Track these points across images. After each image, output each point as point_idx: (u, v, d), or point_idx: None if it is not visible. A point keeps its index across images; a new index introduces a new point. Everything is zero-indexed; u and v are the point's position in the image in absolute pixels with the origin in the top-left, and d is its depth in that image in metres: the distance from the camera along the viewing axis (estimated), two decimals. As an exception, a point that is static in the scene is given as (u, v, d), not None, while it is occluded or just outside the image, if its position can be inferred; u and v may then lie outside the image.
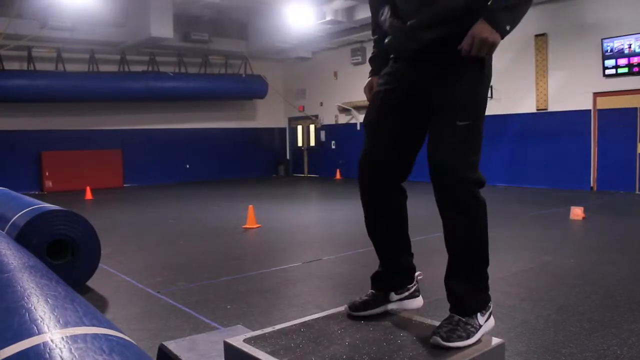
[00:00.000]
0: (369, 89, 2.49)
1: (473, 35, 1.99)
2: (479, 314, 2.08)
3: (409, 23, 2.16)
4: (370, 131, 2.35)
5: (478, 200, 2.10)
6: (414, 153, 2.35)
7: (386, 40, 2.32)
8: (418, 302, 2.47)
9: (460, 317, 2.03)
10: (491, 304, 2.18)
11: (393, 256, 2.45)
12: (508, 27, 2.02)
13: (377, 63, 2.49)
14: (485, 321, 2.10)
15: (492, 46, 2.01)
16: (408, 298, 2.42)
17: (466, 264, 2.14)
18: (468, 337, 1.95)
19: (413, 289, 2.46)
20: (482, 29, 1.98)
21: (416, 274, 2.51)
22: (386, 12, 2.32)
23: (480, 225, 2.13)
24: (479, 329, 2.02)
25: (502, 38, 2.03)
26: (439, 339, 1.89)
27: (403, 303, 2.39)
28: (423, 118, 2.22)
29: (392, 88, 2.26)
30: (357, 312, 2.27)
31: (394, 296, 2.38)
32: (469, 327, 2.00)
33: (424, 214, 9.85)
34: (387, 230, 2.44)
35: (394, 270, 2.43)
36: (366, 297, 2.36)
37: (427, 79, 2.15)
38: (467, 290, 2.12)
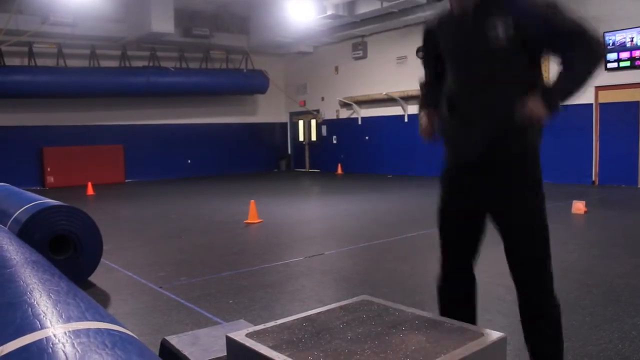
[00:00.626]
0: (429, 121, 2.54)
1: (526, 107, 2.15)
2: None
3: (470, 129, 2.32)
4: (444, 239, 2.58)
5: (558, 313, 2.45)
6: (476, 254, 2.59)
7: (444, 137, 2.49)
8: None
9: None
10: None
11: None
12: (561, 107, 2.19)
13: (431, 100, 2.59)
14: None
15: (540, 122, 2.19)
16: None
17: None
18: None
19: None
20: (534, 105, 2.14)
21: None
22: (444, 105, 2.45)
23: (558, 333, 2.45)
24: None
25: (554, 115, 2.19)
26: None
27: None
28: (481, 223, 2.50)
29: (457, 201, 2.48)
30: None
31: None
32: None
33: (421, 209, 9.85)
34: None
35: None
36: None
37: (491, 195, 2.37)
38: None
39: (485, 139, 2.27)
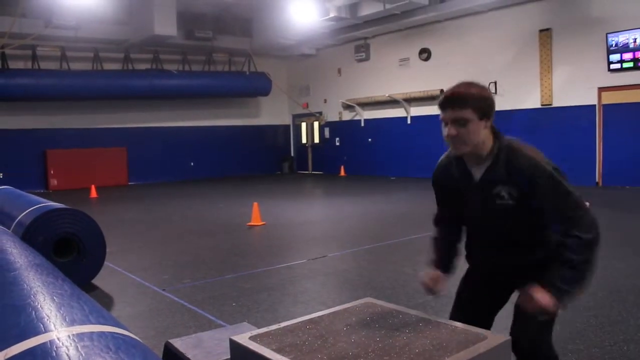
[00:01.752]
0: (431, 281, 2.52)
1: (534, 296, 2.14)
2: None
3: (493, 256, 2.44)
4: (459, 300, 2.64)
5: None
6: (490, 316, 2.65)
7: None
8: None
9: None
10: None
11: None
12: (567, 301, 2.19)
13: (442, 262, 2.62)
14: None
15: (545, 313, 2.17)
16: None
17: None
18: None
19: None
20: (544, 297, 2.12)
21: None
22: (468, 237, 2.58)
23: None
24: None
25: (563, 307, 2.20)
26: None
27: None
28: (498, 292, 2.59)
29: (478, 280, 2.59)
30: None
31: None
32: None
33: (424, 210, 9.82)
34: None
35: None
36: None
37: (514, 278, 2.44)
38: None
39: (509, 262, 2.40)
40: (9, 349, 1.21)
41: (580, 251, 2.16)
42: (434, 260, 2.62)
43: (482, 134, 2.21)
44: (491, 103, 2.23)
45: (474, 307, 2.57)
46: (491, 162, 2.27)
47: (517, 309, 2.35)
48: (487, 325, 2.56)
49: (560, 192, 2.22)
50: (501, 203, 2.28)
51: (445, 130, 2.21)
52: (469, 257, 2.61)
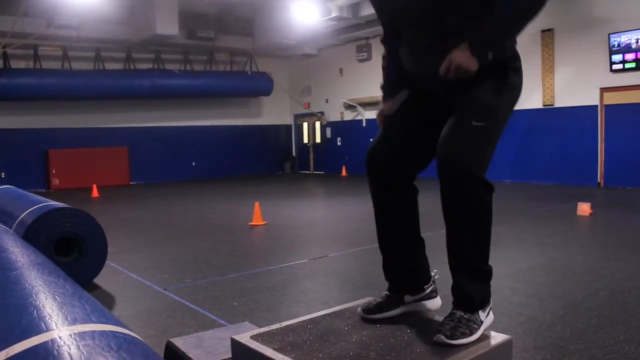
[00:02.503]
0: (382, 116, 2.45)
1: (450, 59, 1.97)
2: (480, 311, 2.07)
3: (425, 56, 2.18)
4: (383, 130, 2.41)
5: (483, 197, 2.07)
6: (424, 153, 2.32)
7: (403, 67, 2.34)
8: (435, 303, 2.40)
9: (463, 314, 2.01)
10: (491, 300, 2.17)
11: (404, 255, 2.39)
12: (490, 55, 2.00)
13: (391, 89, 2.49)
14: (486, 317, 2.09)
15: (467, 72, 1.96)
16: (424, 299, 2.36)
17: (471, 261, 2.12)
18: (471, 334, 1.94)
19: (429, 289, 2.39)
20: (459, 55, 1.95)
21: (432, 273, 2.45)
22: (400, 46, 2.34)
23: (483, 221, 2.10)
24: (480, 325, 2.01)
25: (482, 64, 1.99)
26: (442, 337, 1.89)
27: (419, 305, 2.34)
28: (435, 120, 2.21)
29: (410, 94, 2.32)
30: (370, 315, 2.23)
31: (409, 298, 2.33)
32: (472, 323, 1.98)
33: (429, 210, 9.82)
34: (397, 227, 2.38)
35: (406, 269, 2.37)
36: (380, 300, 2.33)
37: (446, 88, 2.14)
38: (474, 287, 2.10)
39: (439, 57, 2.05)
40: (10, 348, 1.21)
41: (511, 6, 1.96)
42: (383, 89, 2.52)
43: None
44: None
45: (403, 137, 2.31)
46: None
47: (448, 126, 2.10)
48: (423, 162, 2.34)
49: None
50: None
51: None
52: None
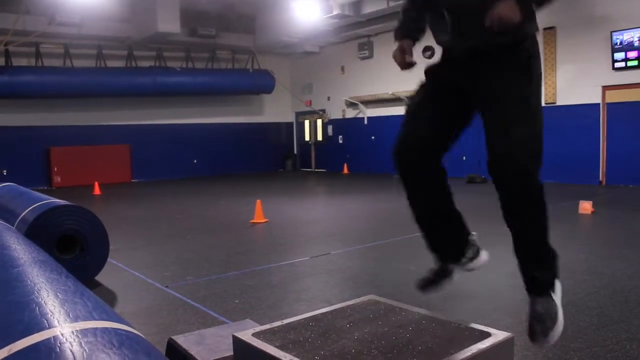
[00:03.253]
0: (400, 52, 2.43)
1: (495, 10, 1.96)
2: (551, 292, 2.23)
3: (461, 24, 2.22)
4: (411, 115, 2.44)
5: (542, 189, 2.15)
6: (448, 136, 2.37)
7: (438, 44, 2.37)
8: (483, 258, 2.53)
9: (543, 305, 2.17)
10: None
11: (443, 230, 2.47)
12: (534, 7, 2.05)
13: (410, 26, 2.50)
14: (559, 290, 2.30)
15: (511, 24, 1.97)
16: (470, 261, 2.48)
17: (540, 251, 2.26)
18: (557, 319, 2.18)
19: (472, 252, 2.49)
20: (504, 5, 1.95)
21: (470, 236, 2.53)
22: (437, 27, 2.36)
23: (545, 211, 2.20)
24: (558, 303, 2.24)
25: (526, 18, 2.01)
26: (541, 338, 2.09)
27: (468, 266, 2.48)
28: (465, 107, 2.30)
29: (440, 80, 2.37)
30: (427, 290, 2.40)
31: (455, 266, 2.46)
32: (553, 308, 2.18)
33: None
34: (434, 208, 2.45)
35: (446, 242, 2.47)
36: (431, 275, 2.44)
37: (477, 75, 2.18)
38: (548, 273, 2.29)
39: (477, 31, 2.11)
40: (13, 345, 1.21)
41: None
42: (399, 28, 2.51)
43: None
44: None
45: (431, 116, 2.33)
46: None
47: (492, 121, 2.14)
48: (444, 144, 2.36)
49: None
50: None
51: None
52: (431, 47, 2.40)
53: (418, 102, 2.42)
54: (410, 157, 2.36)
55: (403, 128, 2.41)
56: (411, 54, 2.39)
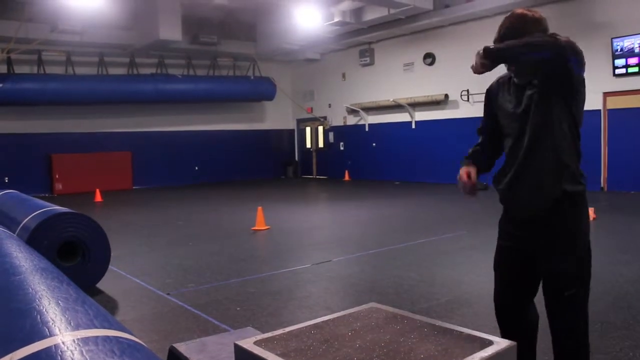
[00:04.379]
0: (466, 175, 2.60)
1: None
2: None
3: (519, 188, 2.47)
4: (497, 275, 2.71)
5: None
6: (530, 292, 2.70)
7: (499, 190, 2.59)
8: None
9: None
10: None
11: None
12: (494, 48, 2.32)
13: (475, 158, 2.70)
14: None
15: (476, 69, 2.35)
16: None
17: None
18: None
19: None
20: (476, 55, 2.36)
21: None
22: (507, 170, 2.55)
23: None
24: None
25: (485, 55, 2.31)
26: None
27: None
28: (532, 267, 2.59)
29: (510, 246, 2.60)
30: None
31: None
32: None
33: (429, 215, 9.81)
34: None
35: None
36: None
37: (536, 244, 2.49)
38: None
39: (533, 198, 2.45)
40: (14, 353, 1.21)
41: (539, 39, 2.24)
42: (468, 157, 2.70)
43: None
44: (526, 23, 2.38)
45: (511, 278, 2.64)
46: None
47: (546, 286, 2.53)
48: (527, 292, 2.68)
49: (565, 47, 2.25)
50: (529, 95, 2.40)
51: None
52: (501, 195, 2.63)
53: (499, 264, 2.75)
54: (509, 309, 2.78)
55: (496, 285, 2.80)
56: (474, 179, 2.62)
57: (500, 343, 1.92)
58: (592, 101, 12.26)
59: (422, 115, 16.24)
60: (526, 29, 2.35)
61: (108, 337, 1.29)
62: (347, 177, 18.41)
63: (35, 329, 1.32)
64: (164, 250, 7.02)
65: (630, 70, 11.58)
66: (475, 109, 13.55)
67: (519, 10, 2.46)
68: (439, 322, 2.15)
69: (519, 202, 2.53)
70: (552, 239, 2.45)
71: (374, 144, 17.90)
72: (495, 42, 2.43)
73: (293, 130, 21.25)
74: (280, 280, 5.32)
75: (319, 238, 7.81)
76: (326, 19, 14.72)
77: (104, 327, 1.37)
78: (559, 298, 2.47)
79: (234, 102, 18.89)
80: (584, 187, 2.45)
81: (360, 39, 16.93)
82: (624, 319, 3.82)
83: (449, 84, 15.07)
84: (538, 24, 2.38)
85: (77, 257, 4.93)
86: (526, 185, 2.46)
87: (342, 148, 19.27)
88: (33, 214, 4.94)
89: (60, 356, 1.16)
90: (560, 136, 2.37)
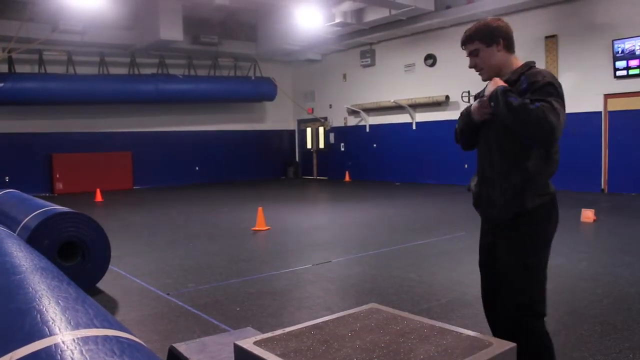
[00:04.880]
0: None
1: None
2: None
3: (491, 195, 2.60)
4: (481, 273, 2.83)
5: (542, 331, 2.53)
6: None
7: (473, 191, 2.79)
8: None
9: None
10: None
11: None
12: (493, 104, 2.44)
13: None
14: None
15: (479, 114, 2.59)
16: None
17: None
18: None
19: None
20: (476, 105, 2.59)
21: None
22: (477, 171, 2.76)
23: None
24: None
25: (490, 105, 2.47)
26: None
27: None
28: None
29: (487, 243, 2.74)
30: None
31: None
32: None
33: (429, 216, 9.81)
34: None
35: None
36: None
37: (501, 246, 2.60)
38: None
39: (494, 209, 2.59)
40: (14, 352, 1.21)
41: (536, 107, 2.32)
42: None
43: (496, 58, 2.59)
44: (496, 30, 2.61)
45: (491, 275, 2.71)
46: (506, 78, 2.54)
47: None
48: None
49: (547, 91, 2.42)
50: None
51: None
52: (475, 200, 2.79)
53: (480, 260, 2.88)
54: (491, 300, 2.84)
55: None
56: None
57: (501, 344, 1.92)
58: (593, 103, 12.30)
59: (422, 117, 16.24)
60: (492, 36, 2.59)
61: (108, 336, 1.29)
62: (347, 178, 18.41)
63: (35, 328, 1.32)
64: (164, 250, 7.02)
65: (631, 72, 11.57)
66: (476, 110, 13.49)
67: (489, 19, 2.70)
68: (439, 323, 2.15)
69: (485, 208, 2.68)
70: (508, 244, 2.55)
71: (374, 145, 17.90)
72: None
73: (294, 130, 21.26)
74: (280, 280, 5.32)
75: (319, 239, 7.81)
76: (327, 20, 14.72)
77: (104, 327, 1.37)
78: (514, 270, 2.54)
79: (234, 103, 18.90)
80: (550, 198, 2.52)
81: (361, 40, 16.93)
82: (624, 320, 3.82)
83: (450, 85, 15.07)
84: (500, 31, 2.61)
85: (77, 256, 4.94)
86: (489, 195, 2.61)
87: (342, 149, 19.27)
88: (33, 214, 4.94)
89: (60, 355, 1.16)
90: (526, 152, 2.47)
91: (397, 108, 16.65)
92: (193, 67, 17.58)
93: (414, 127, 16.55)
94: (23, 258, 2.27)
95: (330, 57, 19.08)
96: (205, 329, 3.89)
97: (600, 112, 12.28)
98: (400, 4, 13.43)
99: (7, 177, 14.72)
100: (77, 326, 1.34)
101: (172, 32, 14.64)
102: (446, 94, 15.21)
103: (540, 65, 12.94)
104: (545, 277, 2.53)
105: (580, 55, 12.35)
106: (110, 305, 4.59)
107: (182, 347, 2.43)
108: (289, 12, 14.74)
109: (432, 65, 15.80)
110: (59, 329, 1.30)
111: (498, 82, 2.47)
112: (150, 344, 3.35)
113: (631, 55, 11.50)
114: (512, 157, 2.51)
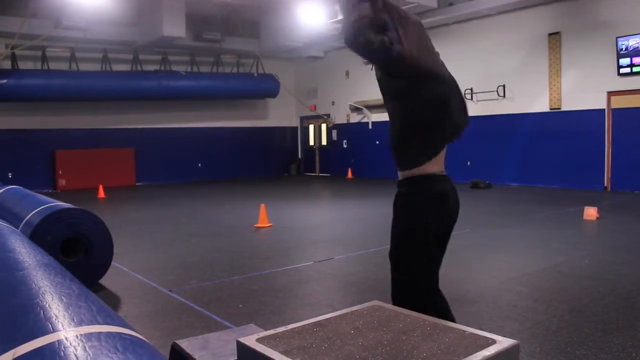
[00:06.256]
0: None
1: None
2: None
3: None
4: None
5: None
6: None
7: None
8: None
9: None
10: None
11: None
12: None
13: None
14: None
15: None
16: None
17: None
18: None
19: None
20: None
21: None
22: None
23: None
24: None
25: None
26: None
27: None
28: None
29: None
30: None
31: None
32: None
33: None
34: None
35: None
36: None
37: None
38: None
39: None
40: (17, 349, 1.21)
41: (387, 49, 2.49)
42: None
43: None
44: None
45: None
46: None
47: None
48: None
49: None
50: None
51: None
52: None
53: None
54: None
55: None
56: None
57: (504, 342, 1.92)
58: (596, 100, 12.27)
59: (425, 114, 16.19)
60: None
61: (111, 333, 1.30)
62: (350, 175, 18.41)
63: (38, 325, 1.32)
64: (167, 247, 7.03)
65: (635, 69, 11.54)
66: (478, 108, 13.52)
67: None
68: (441, 321, 2.15)
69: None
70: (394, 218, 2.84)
71: (377, 142, 17.88)
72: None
73: (296, 127, 21.25)
74: (282, 277, 5.32)
75: (322, 236, 7.81)
76: (330, 17, 14.68)
77: (107, 323, 1.37)
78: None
79: (237, 99, 18.90)
80: (424, 174, 2.75)
81: (364, 37, 16.86)
82: (627, 318, 3.81)
83: (453, 82, 15.02)
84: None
85: (80, 253, 4.94)
86: None
87: (345, 146, 19.26)
88: (36, 210, 4.95)
89: (64, 352, 1.16)
90: (399, 122, 2.80)
91: (400, 105, 16.60)
92: (196, 63, 17.57)
93: (416, 125, 16.50)
94: (26, 254, 2.27)
95: (333, 54, 19.05)
96: (207, 325, 3.89)
97: (604, 110, 12.25)
98: (403, 1, 13.38)
99: (10, 174, 14.74)
100: (80, 322, 1.34)
101: (175, 28, 14.63)
102: (449, 91, 15.18)
103: (544, 62, 12.99)
104: None
105: (583, 53, 12.31)
106: (112, 301, 4.60)
107: (184, 344, 2.44)
108: (291, 9, 14.71)
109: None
110: (62, 326, 1.31)
111: None
112: (152, 341, 3.35)
113: (635, 52, 11.47)
114: (392, 131, 3.12)
